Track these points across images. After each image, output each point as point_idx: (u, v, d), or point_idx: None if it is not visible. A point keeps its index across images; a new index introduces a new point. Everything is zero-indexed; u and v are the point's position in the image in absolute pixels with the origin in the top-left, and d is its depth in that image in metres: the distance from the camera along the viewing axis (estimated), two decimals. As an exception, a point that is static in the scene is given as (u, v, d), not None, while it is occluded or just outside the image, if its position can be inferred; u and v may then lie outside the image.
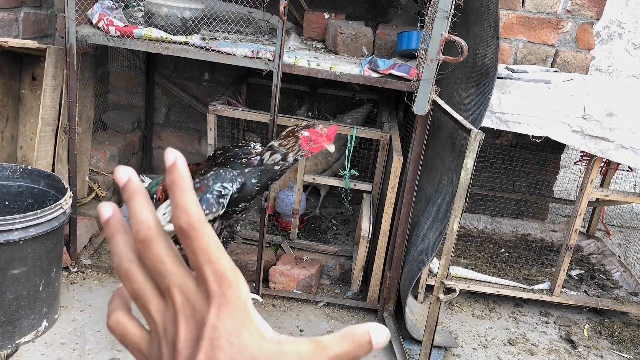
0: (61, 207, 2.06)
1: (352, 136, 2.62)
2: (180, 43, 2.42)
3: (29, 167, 2.31)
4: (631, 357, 2.58)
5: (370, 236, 2.52)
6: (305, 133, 1.86)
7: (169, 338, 0.37)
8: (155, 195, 2.24)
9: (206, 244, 0.36)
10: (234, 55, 2.40)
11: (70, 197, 2.15)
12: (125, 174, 0.39)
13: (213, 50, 2.40)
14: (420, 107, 1.88)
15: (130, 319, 0.41)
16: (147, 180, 2.32)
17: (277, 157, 1.87)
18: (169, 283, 0.37)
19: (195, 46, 2.42)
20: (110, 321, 0.41)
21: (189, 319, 0.37)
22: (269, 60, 2.39)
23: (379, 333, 0.38)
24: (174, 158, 0.38)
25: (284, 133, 1.91)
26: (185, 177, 0.37)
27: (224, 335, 0.35)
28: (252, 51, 2.41)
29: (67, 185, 2.20)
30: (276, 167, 1.89)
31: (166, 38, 2.40)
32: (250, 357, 0.36)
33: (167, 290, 0.38)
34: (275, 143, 1.89)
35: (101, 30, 2.41)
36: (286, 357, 0.36)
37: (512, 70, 2.92)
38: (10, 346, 2.05)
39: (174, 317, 0.37)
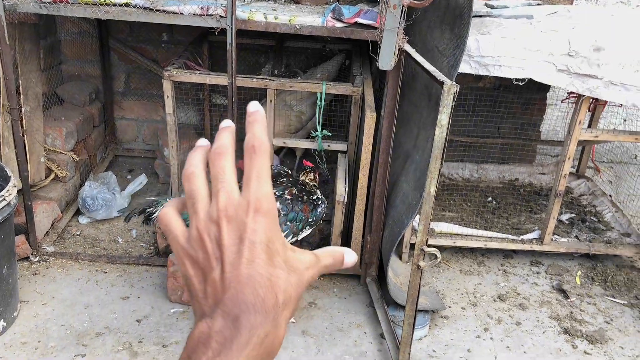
0: (4, 199, 1.88)
1: (321, 93, 2.42)
2: (121, 5, 2.17)
3: (-31, 156, 2.11)
4: (625, 302, 2.49)
5: (345, 200, 2.36)
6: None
7: (212, 236, 0.44)
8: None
9: (261, 166, 0.46)
10: (182, 14, 2.17)
11: (14, 187, 1.96)
12: (254, 107, 0.50)
13: (158, 11, 2.16)
14: (386, 60, 1.69)
15: (177, 215, 0.48)
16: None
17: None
18: (220, 187, 0.45)
19: (138, 7, 2.18)
20: (162, 211, 0.48)
21: (230, 219, 0.44)
22: (220, 16, 2.16)
23: (350, 256, 0.51)
24: (256, 109, 0.49)
25: (312, 177, 2.39)
26: (264, 119, 0.48)
27: (263, 239, 0.44)
28: (202, 8, 2.17)
29: (10, 174, 2.01)
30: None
31: (105, 0, 2.15)
32: (283, 260, 0.45)
33: (216, 193, 0.45)
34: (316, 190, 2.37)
35: (31, -4, 2.16)
36: (301, 263, 0.46)
37: (492, 7, 2.70)
38: (-32, 351, 1.92)
39: (217, 216, 0.44)
